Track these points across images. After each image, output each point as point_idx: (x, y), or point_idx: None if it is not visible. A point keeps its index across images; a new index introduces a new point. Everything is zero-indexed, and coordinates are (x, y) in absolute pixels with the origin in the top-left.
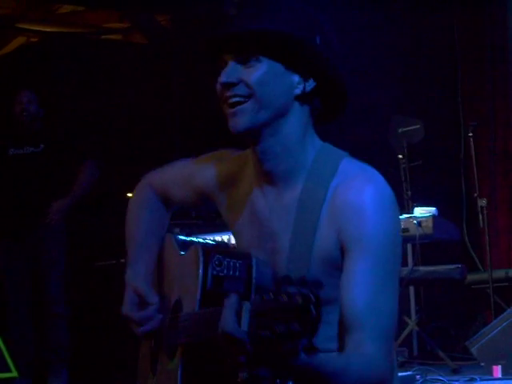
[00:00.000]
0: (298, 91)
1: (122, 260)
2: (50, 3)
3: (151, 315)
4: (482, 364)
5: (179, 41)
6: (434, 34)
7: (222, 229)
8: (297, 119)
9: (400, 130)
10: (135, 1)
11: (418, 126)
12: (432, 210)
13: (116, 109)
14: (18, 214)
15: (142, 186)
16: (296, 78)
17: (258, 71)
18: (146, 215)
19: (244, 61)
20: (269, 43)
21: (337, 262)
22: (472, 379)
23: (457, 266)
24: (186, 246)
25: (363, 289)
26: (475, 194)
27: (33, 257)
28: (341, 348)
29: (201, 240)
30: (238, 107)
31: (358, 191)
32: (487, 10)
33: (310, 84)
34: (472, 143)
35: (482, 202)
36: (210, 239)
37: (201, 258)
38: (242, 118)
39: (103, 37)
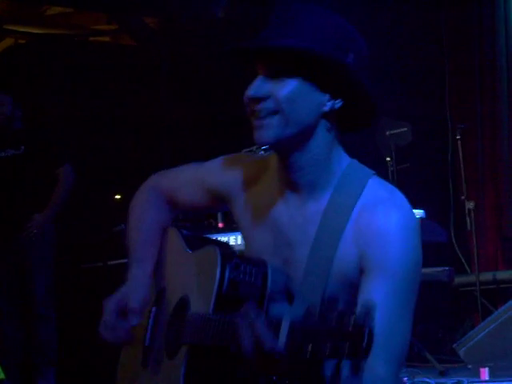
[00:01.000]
0: (326, 108)
1: (109, 262)
2: (38, 5)
3: (124, 329)
4: (470, 366)
5: (167, 43)
6: (422, 37)
7: (209, 231)
8: (323, 135)
9: (388, 133)
10: (123, 3)
11: (405, 129)
12: (419, 212)
13: (104, 110)
14: (3, 218)
15: (147, 186)
16: (326, 97)
17: (288, 87)
18: (151, 213)
19: (274, 75)
20: (301, 60)
21: (354, 281)
22: (459, 381)
23: (444, 268)
24: (192, 242)
25: (380, 313)
26: (463, 197)
27: (20, 258)
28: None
29: (208, 238)
30: (265, 121)
31: (385, 216)
32: (476, 13)
33: (339, 102)
34: (460, 146)
35: (470, 205)
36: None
37: (219, 260)
38: (267, 132)
39: (91, 39)
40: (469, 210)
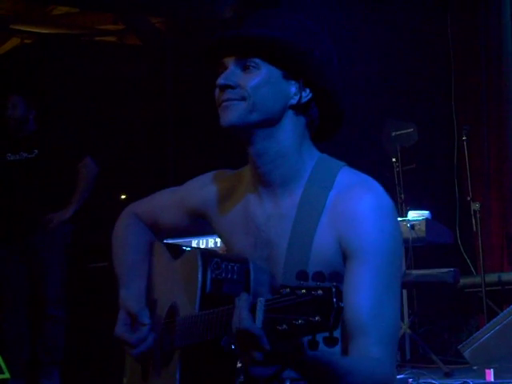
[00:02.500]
0: (293, 101)
1: None
2: (44, 5)
3: (145, 336)
4: (475, 368)
5: (173, 43)
6: (428, 38)
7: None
8: (291, 128)
9: (393, 134)
10: (129, 3)
11: (411, 130)
12: (425, 213)
13: (110, 110)
14: (15, 220)
15: (126, 213)
16: (293, 89)
17: (256, 77)
18: (133, 238)
19: (244, 66)
20: (269, 49)
21: (336, 268)
22: (464, 383)
23: (450, 269)
24: (176, 251)
25: (367, 295)
26: (468, 198)
27: (31, 259)
28: (344, 353)
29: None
30: (231, 102)
31: (359, 199)
32: (481, 14)
33: (307, 95)
34: (465, 147)
35: (476, 206)
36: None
37: (199, 262)
38: (232, 113)
39: (97, 38)
40: (474, 211)
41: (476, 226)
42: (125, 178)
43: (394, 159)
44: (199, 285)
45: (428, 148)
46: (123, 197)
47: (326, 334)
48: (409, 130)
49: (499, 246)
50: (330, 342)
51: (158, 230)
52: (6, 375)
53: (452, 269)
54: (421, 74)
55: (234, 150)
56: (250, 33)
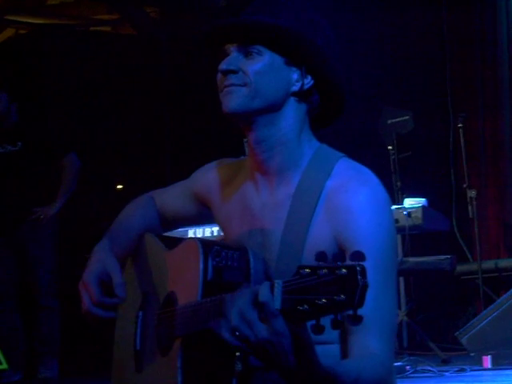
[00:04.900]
0: (295, 88)
1: None
2: None
3: (110, 304)
4: (472, 354)
5: (168, 32)
6: (423, 25)
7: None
8: (292, 115)
9: (389, 121)
10: None
11: (407, 117)
12: (422, 200)
13: (105, 100)
14: (1, 212)
15: (144, 195)
16: (295, 76)
17: (259, 63)
18: (139, 210)
19: (246, 52)
20: (273, 36)
21: None
22: (462, 369)
23: (446, 256)
24: (170, 242)
25: None
26: (464, 185)
27: (20, 250)
28: (342, 344)
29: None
30: (233, 88)
31: (353, 193)
32: (478, 2)
33: (309, 82)
34: (461, 134)
35: (472, 193)
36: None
37: (200, 250)
38: (234, 99)
39: (92, 28)
40: (470, 198)
41: (472, 213)
42: (121, 169)
43: (390, 147)
44: (201, 272)
45: (424, 135)
46: (119, 187)
47: (350, 312)
48: (405, 118)
49: (495, 232)
50: (354, 319)
51: (166, 220)
52: (4, 366)
53: (449, 256)
54: (416, 62)
55: (230, 138)
56: (253, 20)
